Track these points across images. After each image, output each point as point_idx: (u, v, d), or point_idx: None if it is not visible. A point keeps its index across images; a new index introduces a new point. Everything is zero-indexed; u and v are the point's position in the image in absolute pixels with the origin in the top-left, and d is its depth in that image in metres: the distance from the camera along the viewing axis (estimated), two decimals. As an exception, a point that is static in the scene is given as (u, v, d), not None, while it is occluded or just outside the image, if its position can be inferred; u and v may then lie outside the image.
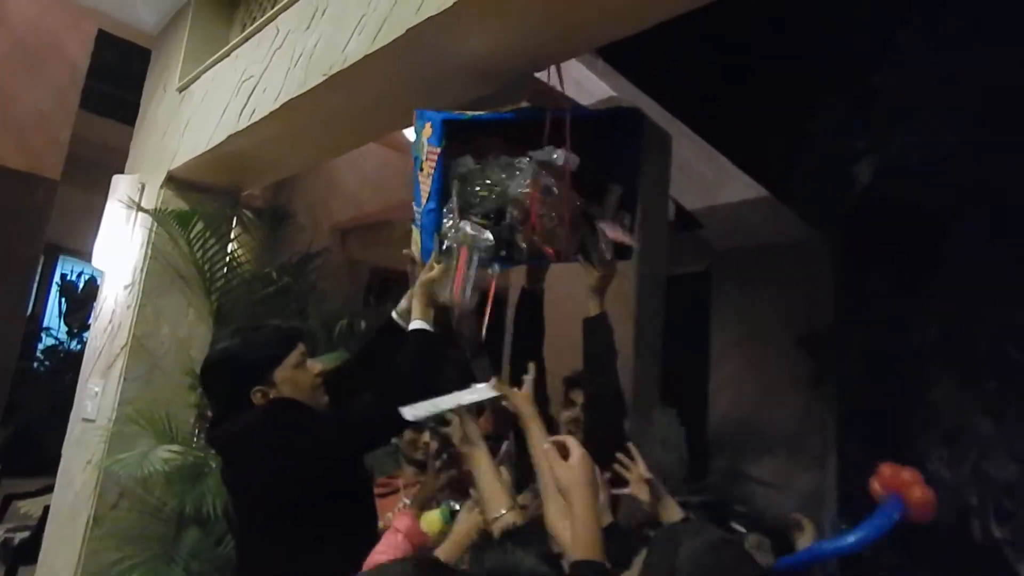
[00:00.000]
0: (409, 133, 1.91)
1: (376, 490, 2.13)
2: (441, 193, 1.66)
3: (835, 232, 4.85)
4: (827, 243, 4.92)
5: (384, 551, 1.53)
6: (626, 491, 1.71)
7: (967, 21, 3.59)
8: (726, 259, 5.38)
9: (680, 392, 5.48)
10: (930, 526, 4.27)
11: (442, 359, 1.74)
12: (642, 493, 1.69)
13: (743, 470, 4.78)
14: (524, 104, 1.73)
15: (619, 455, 1.75)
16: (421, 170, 1.74)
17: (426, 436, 2.11)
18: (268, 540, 1.65)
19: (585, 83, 3.85)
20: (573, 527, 1.21)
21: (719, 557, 1.06)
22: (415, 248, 1.82)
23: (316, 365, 1.76)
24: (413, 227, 1.85)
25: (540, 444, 1.45)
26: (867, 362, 4.27)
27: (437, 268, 1.71)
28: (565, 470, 1.27)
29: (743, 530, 4.23)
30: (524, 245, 1.72)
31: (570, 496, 1.24)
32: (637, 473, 1.71)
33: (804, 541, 2.10)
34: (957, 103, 3.66)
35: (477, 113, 1.70)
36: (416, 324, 1.71)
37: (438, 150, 1.63)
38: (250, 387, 1.64)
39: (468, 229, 1.63)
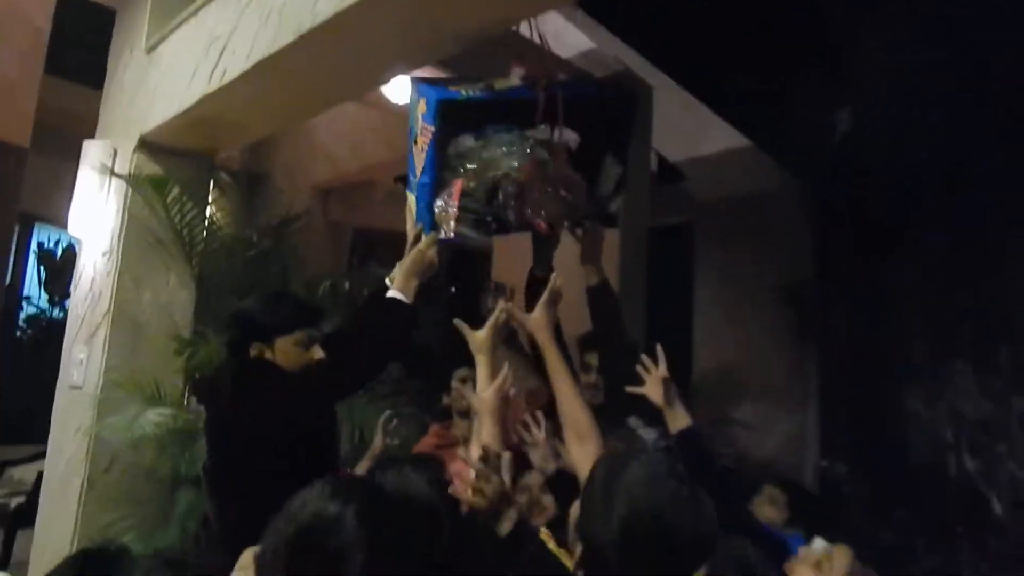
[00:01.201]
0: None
1: (432, 440, 2.43)
2: (435, 170, 1.67)
3: (816, 181, 4.87)
4: (809, 193, 4.94)
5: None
6: (640, 390, 1.71)
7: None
8: (709, 211, 5.39)
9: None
10: (907, 462, 4.41)
11: (410, 332, 1.80)
12: (655, 394, 1.68)
13: (726, 415, 4.89)
14: (517, 82, 1.72)
15: (644, 356, 1.74)
16: (415, 143, 1.75)
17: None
18: (235, 490, 1.76)
19: (564, 34, 3.79)
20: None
21: (659, 491, 1.03)
22: (411, 214, 1.86)
23: (320, 351, 1.82)
24: (408, 192, 1.87)
25: (558, 366, 1.52)
26: (847, 310, 4.34)
27: (427, 241, 1.73)
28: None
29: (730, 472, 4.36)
30: (513, 219, 1.74)
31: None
32: (656, 375, 1.70)
33: (768, 510, 2.09)
34: (939, 57, 3.66)
35: (473, 93, 1.68)
36: (395, 294, 1.76)
37: (432, 129, 1.64)
38: (251, 343, 1.78)
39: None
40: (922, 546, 3.98)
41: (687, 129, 5.15)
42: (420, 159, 1.72)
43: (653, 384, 1.68)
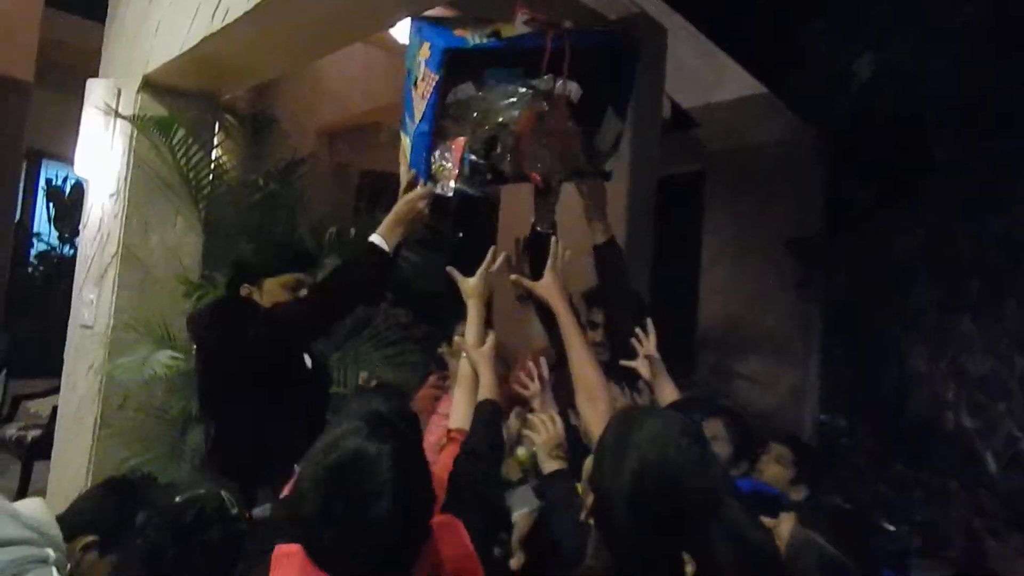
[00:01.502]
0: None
1: (429, 391, 2.54)
2: (435, 118, 1.63)
3: (830, 132, 4.78)
4: (821, 144, 4.86)
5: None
6: (632, 364, 1.76)
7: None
8: (720, 160, 5.31)
9: (670, 293, 5.57)
10: (906, 417, 4.45)
11: (383, 279, 1.85)
12: (643, 369, 1.74)
13: (730, 367, 4.93)
14: (524, 28, 1.66)
15: (637, 330, 1.78)
16: (415, 87, 1.71)
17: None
18: (219, 414, 1.92)
19: (576, -25, 3.67)
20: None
21: (674, 443, 1.06)
22: (405, 158, 1.83)
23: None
24: (403, 135, 1.83)
25: (571, 328, 1.54)
26: (853, 263, 4.32)
27: (419, 191, 1.75)
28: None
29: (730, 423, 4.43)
30: (510, 170, 1.72)
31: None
32: (642, 351, 1.76)
33: (775, 469, 2.09)
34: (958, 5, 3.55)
35: (481, 42, 1.63)
36: (376, 239, 1.79)
37: (436, 78, 1.60)
38: (242, 282, 1.92)
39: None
40: (918, 500, 4.05)
41: (701, 75, 5.04)
42: (420, 106, 1.68)
43: (641, 360, 1.71)
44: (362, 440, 0.99)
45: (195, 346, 2.01)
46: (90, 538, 1.24)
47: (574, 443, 1.53)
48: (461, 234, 5.44)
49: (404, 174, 1.88)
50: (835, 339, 4.88)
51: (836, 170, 4.87)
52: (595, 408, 1.42)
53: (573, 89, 1.69)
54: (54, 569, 1.07)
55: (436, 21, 1.72)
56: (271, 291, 1.90)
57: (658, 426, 1.08)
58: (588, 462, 1.16)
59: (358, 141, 5.47)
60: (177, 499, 1.19)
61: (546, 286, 1.66)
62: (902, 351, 4.30)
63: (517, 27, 1.68)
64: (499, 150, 1.66)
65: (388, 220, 1.81)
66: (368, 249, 1.79)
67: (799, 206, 4.80)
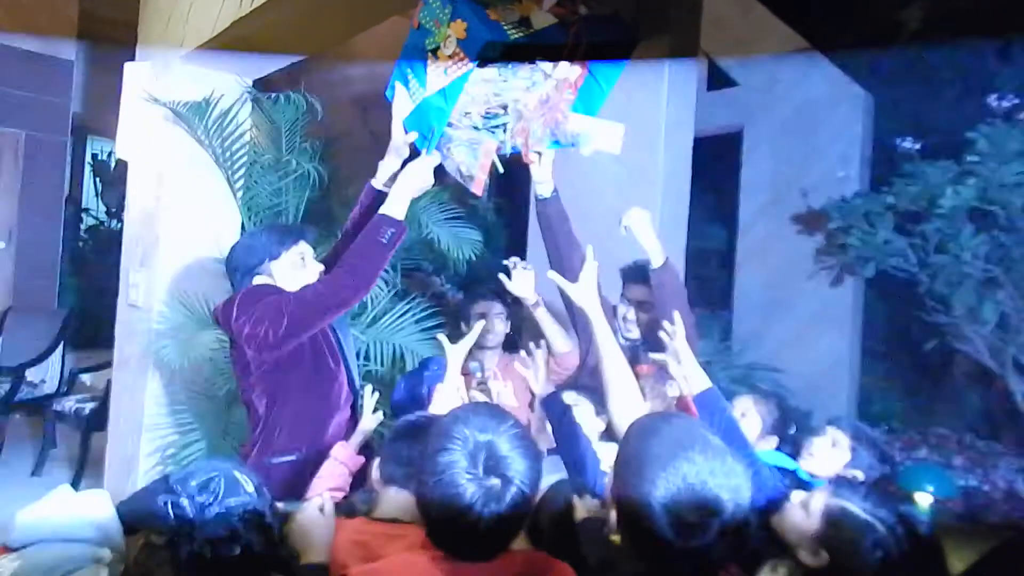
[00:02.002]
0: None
1: None
2: (456, 100, 1.65)
3: (875, 88, 4.61)
4: (865, 100, 4.69)
5: (326, 477, 1.75)
6: (662, 356, 1.73)
7: None
8: (759, 118, 5.17)
9: (705, 257, 5.50)
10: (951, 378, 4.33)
11: (396, 246, 1.86)
12: (672, 363, 1.69)
13: (768, 331, 4.89)
14: (551, 19, 1.67)
15: (666, 323, 1.77)
16: (434, 54, 1.71)
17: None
18: (258, 398, 1.95)
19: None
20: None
21: (697, 448, 1.05)
22: (399, 114, 1.87)
23: (318, 265, 2.00)
24: (399, 87, 1.84)
25: (605, 334, 1.56)
26: (896, 224, 4.20)
27: (428, 162, 1.79)
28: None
29: (768, 389, 4.40)
30: (509, 147, 1.79)
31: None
32: (672, 344, 1.71)
33: (832, 453, 2.03)
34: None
35: (519, 36, 1.65)
36: (387, 210, 1.82)
37: (470, 66, 1.62)
38: (252, 276, 1.95)
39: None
40: (960, 465, 4.01)
41: (740, 31, 4.88)
42: (439, 77, 1.69)
43: (671, 352, 1.67)
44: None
45: (228, 338, 2.03)
46: (152, 536, 1.28)
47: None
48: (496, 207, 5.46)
49: (397, 130, 1.92)
50: (877, 301, 4.79)
51: (880, 126, 4.71)
52: (629, 413, 1.42)
53: (576, 72, 1.72)
54: (105, 570, 1.13)
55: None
56: (283, 273, 1.94)
57: (677, 432, 1.08)
58: (609, 473, 1.16)
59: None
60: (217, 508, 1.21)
61: (579, 289, 1.66)
62: (945, 311, 4.17)
63: (544, 12, 1.67)
64: (506, 129, 1.70)
65: (396, 191, 1.83)
66: (382, 221, 1.81)
67: (841, 164, 4.67)
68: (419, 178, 1.82)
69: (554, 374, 2.06)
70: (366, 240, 1.85)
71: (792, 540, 1.31)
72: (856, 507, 1.26)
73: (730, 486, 1.04)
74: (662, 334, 1.62)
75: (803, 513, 1.31)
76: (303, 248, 1.99)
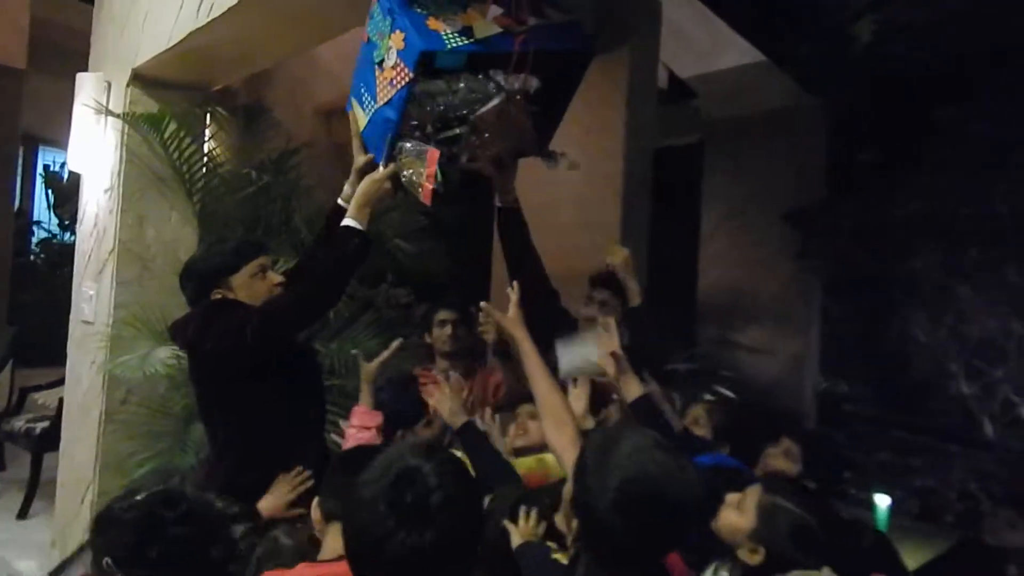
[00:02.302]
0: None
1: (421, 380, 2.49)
2: (403, 111, 1.64)
3: (831, 99, 4.72)
4: (821, 111, 4.80)
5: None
6: (595, 361, 1.80)
7: None
8: (719, 129, 5.26)
9: (669, 264, 5.56)
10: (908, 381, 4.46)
11: (364, 259, 1.83)
12: (609, 367, 1.76)
13: (730, 338, 4.96)
14: (496, 28, 1.66)
15: (601, 325, 1.83)
16: (379, 67, 1.71)
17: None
18: (218, 418, 1.92)
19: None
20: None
21: (654, 462, 1.09)
22: (356, 127, 1.88)
23: (276, 277, 1.94)
24: (355, 102, 1.85)
25: (533, 360, 1.55)
26: (854, 232, 4.31)
27: (383, 172, 1.77)
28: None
29: (731, 395, 4.46)
30: (465, 160, 1.79)
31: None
32: (607, 347, 1.78)
33: (782, 463, 2.09)
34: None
35: (458, 44, 1.64)
36: (349, 222, 1.78)
37: (410, 75, 1.61)
38: (210, 291, 1.88)
39: (409, 147, 1.67)
40: (917, 466, 4.10)
41: (699, 43, 4.96)
42: (386, 90, 1.69)
43: (605, 358, 1.73)
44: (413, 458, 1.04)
45: (187, 354, 1.98)
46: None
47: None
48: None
49: (358, 151, 1.93)
50: (836, 307, 4.89)
51: (837, 137, 4.82)
52: (563, 434, 1.42)
53: (533, 83, 1.73)
54: None
55: (411, 3, 1.68)
56: (243, 286, 1.89)
57: (634, 442, 1.11)
58: (567, 488, 1.18)
59: (354, 120, 5.39)
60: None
61: (510, 318, 1.66)
62: (902, 318, 4.31)
63: (488, 21, 1.67)
64: (461, 144, 1.70)
65: (356, 202, 1.80)
66: (345, 233, 1.78)
67: (799, 174, 4.76)
68: (375, 185, 1.79)
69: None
70: (328, 253, 1.82)
71: (730, 540, 1.35)
72: (788, 502, 1.30)
73: (687, 489, 1.09)
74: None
75: (737, 513, 1.34)
76: (262, 260, 1.94)
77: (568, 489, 1.17)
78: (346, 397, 2.50)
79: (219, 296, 1.88)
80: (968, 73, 3.91)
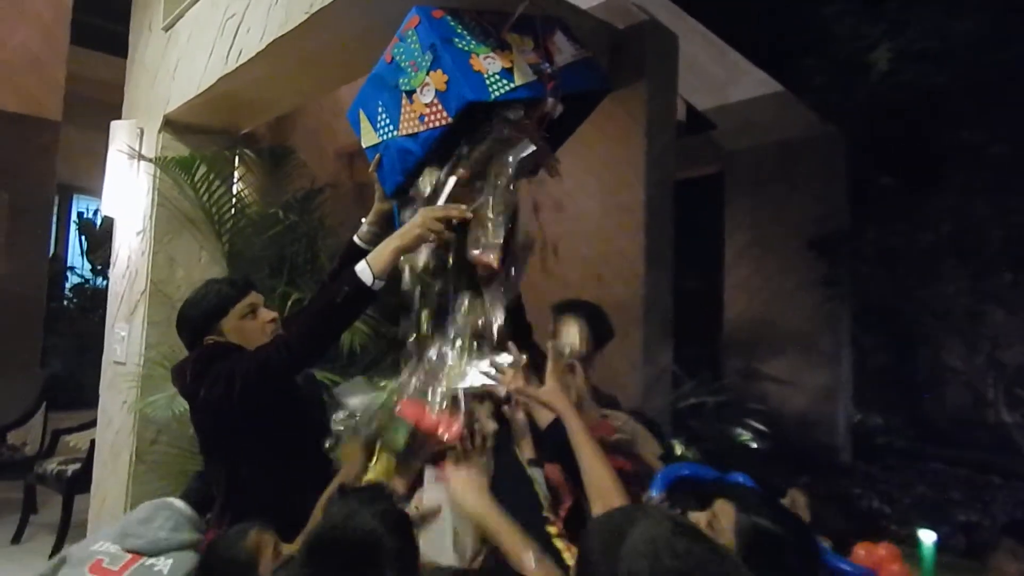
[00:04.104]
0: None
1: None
2: (429, 150, 1.64)
3: (850, 126, 4.72)
4: (841, 139, 4.80)
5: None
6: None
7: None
8: (739, 160, 5.27)
9: (693, 295, 5.53)
10: (941, 414, 4.34)
11: (361, 309, 1.75)
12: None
13: (758, 369, 4.88)
14: (531, 75, 1.66)
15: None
16: (410, 99, 1.66)
17: None
18: (221, 463, 1.86)
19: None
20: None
21: (675, 550, 0.88)
22: (374, 165, 1.79)
23: (269, 313, 1.89)
24: (363, 114, 1.79)
25: (582, 437, 1.44)
26: (880, 258, 4.25)
27: (433, 220, 1.63)
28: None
29: (763, 428, 4.36)
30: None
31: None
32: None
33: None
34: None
35: (501, 93, 1.60)
36: (359, 269, 1.63)
37: (448, 120, 1.58)
38: (203, 337, 1.83)
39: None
40: (959, 499, 3.97)
41: (716, 76, 5.01)
42: (412, 124, 1.65)
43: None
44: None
45: (187, 401, 1.90)
46: None
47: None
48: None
49: (379, 193, 1.84)
50: (865, 336, 4.81)
51: (857, 163, 4.81)
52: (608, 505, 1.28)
53: (558, 109, 1.72)
54: None
55: (451, 39, 1.64)
56: (234, 328, 1.83)
57: (648, 531, 0.92)
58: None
59: (377, 160, 5.49)
60: None
61: (549, 391, 1.53)
62: (935, 345, 4.20)
63: (524, 66, 1.68)
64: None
65: (391, 244, 1.63)
66: (348, 279, 1.64)
67: (821, 202, 4.74)
68: (418, 240, 1.63)
69: None
70: (322, 298, 1.73)
71: None
72: (766, 521, 1.20)
73: None
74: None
75: (710, 532, 1.20)
76: (252, 299, 1.88)
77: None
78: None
79: (211, 342, 1.82)
80: (986, 97, 3.89)
